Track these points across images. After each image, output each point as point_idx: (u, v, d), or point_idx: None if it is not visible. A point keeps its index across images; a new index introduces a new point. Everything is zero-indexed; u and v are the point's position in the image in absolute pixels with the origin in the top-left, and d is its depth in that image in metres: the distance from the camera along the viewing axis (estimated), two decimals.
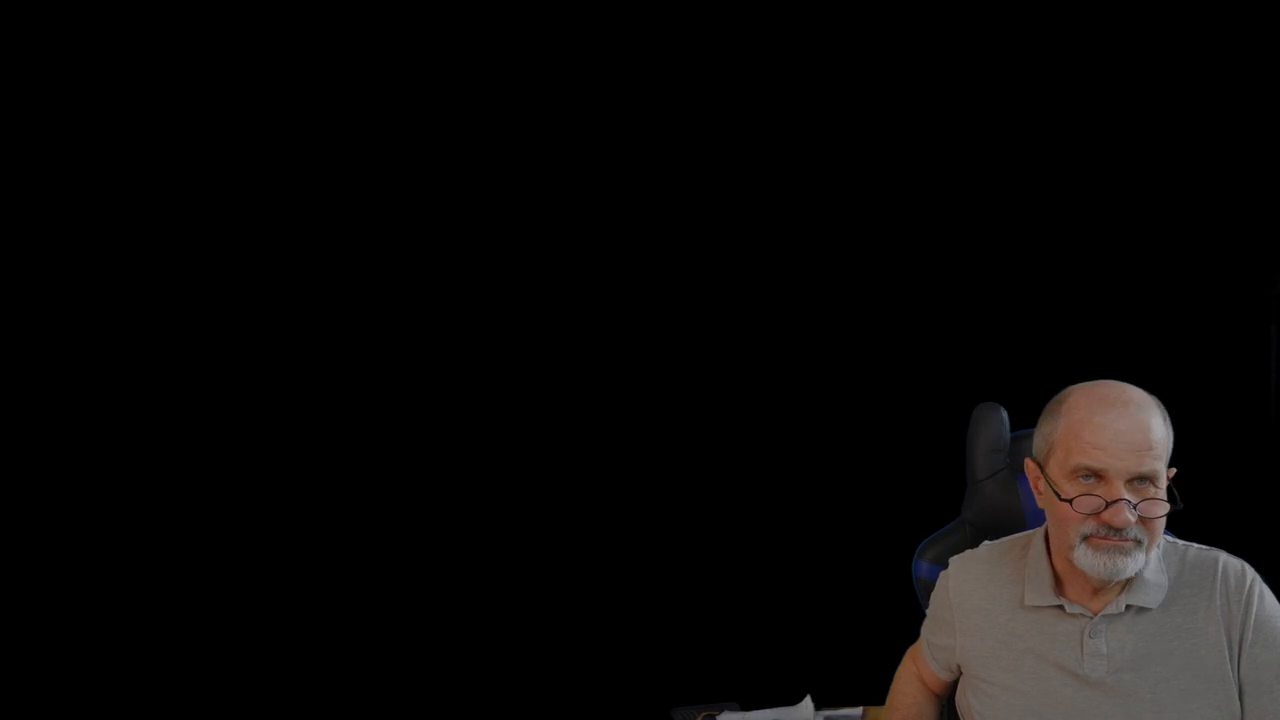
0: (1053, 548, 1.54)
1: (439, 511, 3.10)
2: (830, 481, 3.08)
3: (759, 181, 3.11)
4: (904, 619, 1.66)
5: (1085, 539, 1.45)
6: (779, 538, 3.12)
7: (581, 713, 3.06)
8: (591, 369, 3.12)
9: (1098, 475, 1.44)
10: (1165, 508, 1.45)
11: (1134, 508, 1.43)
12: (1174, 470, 1.50)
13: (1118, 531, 1.43)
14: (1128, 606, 1.49)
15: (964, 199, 3.09)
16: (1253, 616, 1.48)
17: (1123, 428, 1.45)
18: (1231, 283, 3.06)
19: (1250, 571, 1.52)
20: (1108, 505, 1.43)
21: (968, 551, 1.70)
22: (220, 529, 3.05)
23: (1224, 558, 1.54)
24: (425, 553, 3.10)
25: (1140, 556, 1.45)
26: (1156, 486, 1.45)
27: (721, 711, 2.38)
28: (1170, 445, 1.49)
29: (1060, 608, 1.53)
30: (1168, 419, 1.50)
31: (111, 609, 3.02)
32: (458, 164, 3.06)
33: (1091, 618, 1.51)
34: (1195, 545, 1.57)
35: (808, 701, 2.31)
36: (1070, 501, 1.45)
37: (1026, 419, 2.10)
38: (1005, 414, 2.06)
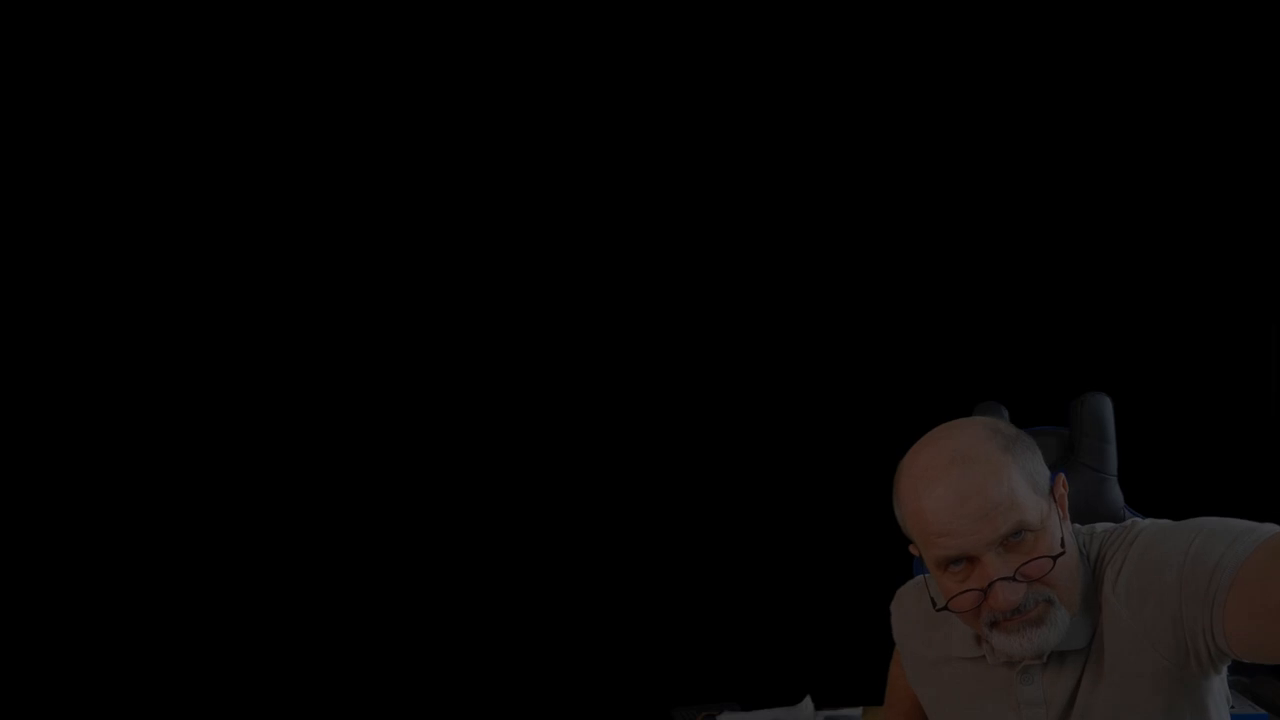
0: None
1: (439, 512, 3.10)
2: (830, 481, 3.08)
3: (758, 183, 3.10)
4: None
5: (993, 626, 1.26)
6: (779, 538, 3.12)
7: (581, 713, 3.06)
8: (591, 370, 3.12)
9: (964, 559, 1.23)
10: (1049, 563, 1.22)
11: (1015, 578, 1.21)
12: (1060, 475, 1.31)
13: (1018, 611, 1.23)
14: (1050, 657, 1.31)
15: (964, 198, 3.09)
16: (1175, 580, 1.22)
17: (956, 499, 1.21)
18: (1232, 282, 3.06)
19: (1138, 535, 1.30)
20: (985, 593, 1.22)
21: (913, 581, 1.57)
22: (220, 529, 3.05)
23: (1118, 552, 1.30)
24: (425, 553, 3.10)
25: (1060, 614, 1.24)
26: (1035, 531, 1.22)
27: (721, 711, 2.38)
28: (1033, 474, 1.25)
29: (983, 658, 1.38)
30: (1018, 445, 1.26)
31: (112, 609, 3.02)
32: (458, 164, 3.06)
33: (1017, 666, 1.34)
34: (1111, 535, 1.33)
35: (808, 701, 2.32)
36: (948, 606, 1.26)
37: (1027, 418, 2.10)
38: (1006, 413, 2.06)
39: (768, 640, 3.08)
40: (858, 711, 2.25)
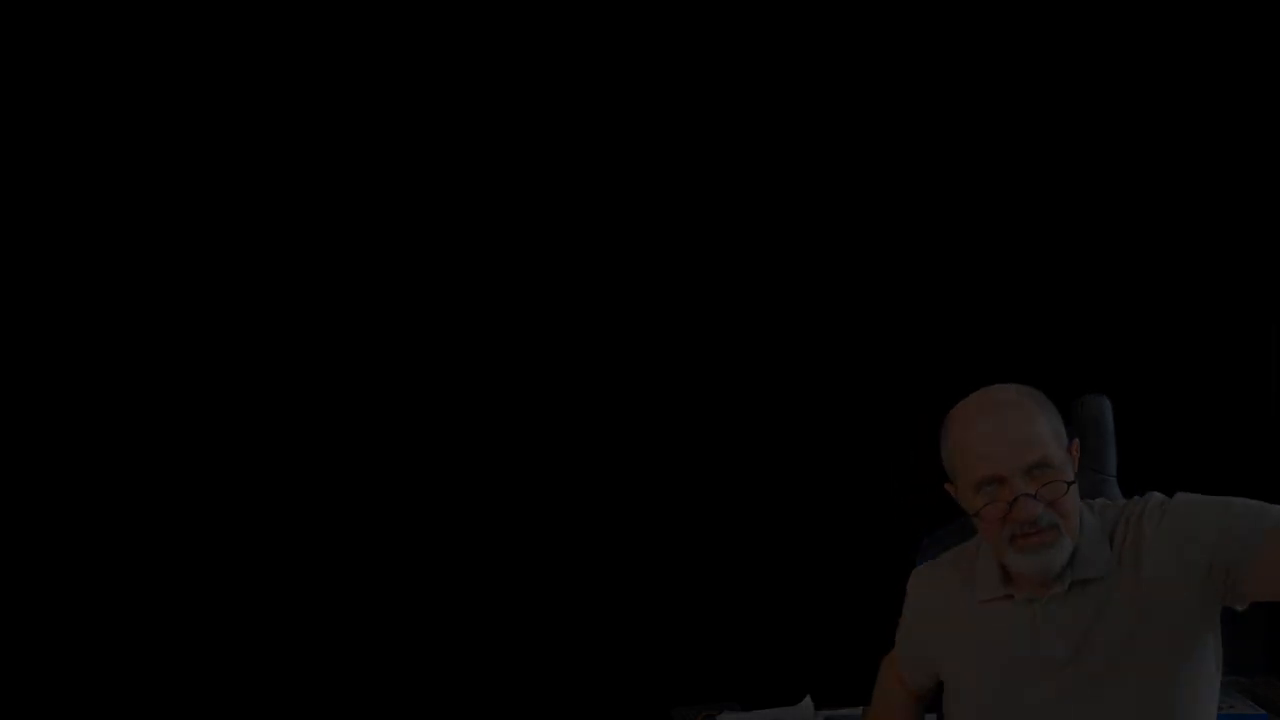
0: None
1: (439, 511, 3.10)
2: (830, 480, 3.08)
3: (758, 182, 3.10)
4: None
5: (1011, 541, 1.52)
6: (778, 537, 3.12)
7: (582, 713, 3.06)
8: (590, 370, 3.11)
9: (996, 480, 1.51)
10: (1063, 487, 1.51)
11: (1035, 496, 1.49)
12: (1076, 441, 1.60)
13: (1033, 525, 1.50)
14: (1072, 584, 1.54)
15: (964, 198, 3.09)
16: (1202, 532, 1.53)
17: (995, 429, 1.52)
18: (1232, 282, 3.06)
19: (1164, 499, 1.59)
20: (1011, 506, 1.50)
21: (930, 561, 1.80)
22: (221, 529, 3.05)
23: (1149, 503, 1.59)
24: (425, 553, 3.10)
25: (1065, 541, 1.52)
26: (1055, 468, 1.51)
27: (721, 711, 2.39)
28: (1057, 429, 1.56)
29: (1010, 597, 1.60)
30: (1047, 407, 1.58)
31: (112, 609, 3.02)
32: (458, 164, 3.06)
33: (1041, 600, 1.56)
34: (1131, 500, 1.62)
35: (808, 701, 2.32)
36: (979, 515, 1.53)
37: None
38: None
39: (768, 640, 3.08)
40: (858, 711, 2.25)
